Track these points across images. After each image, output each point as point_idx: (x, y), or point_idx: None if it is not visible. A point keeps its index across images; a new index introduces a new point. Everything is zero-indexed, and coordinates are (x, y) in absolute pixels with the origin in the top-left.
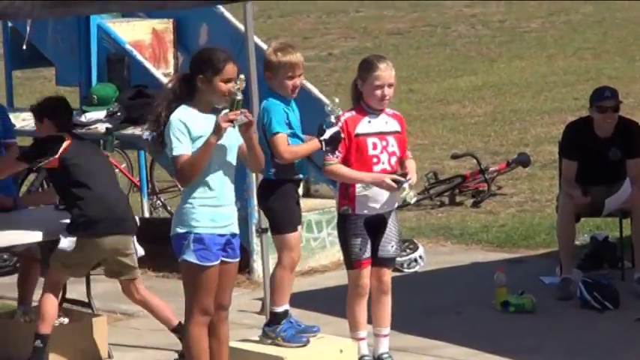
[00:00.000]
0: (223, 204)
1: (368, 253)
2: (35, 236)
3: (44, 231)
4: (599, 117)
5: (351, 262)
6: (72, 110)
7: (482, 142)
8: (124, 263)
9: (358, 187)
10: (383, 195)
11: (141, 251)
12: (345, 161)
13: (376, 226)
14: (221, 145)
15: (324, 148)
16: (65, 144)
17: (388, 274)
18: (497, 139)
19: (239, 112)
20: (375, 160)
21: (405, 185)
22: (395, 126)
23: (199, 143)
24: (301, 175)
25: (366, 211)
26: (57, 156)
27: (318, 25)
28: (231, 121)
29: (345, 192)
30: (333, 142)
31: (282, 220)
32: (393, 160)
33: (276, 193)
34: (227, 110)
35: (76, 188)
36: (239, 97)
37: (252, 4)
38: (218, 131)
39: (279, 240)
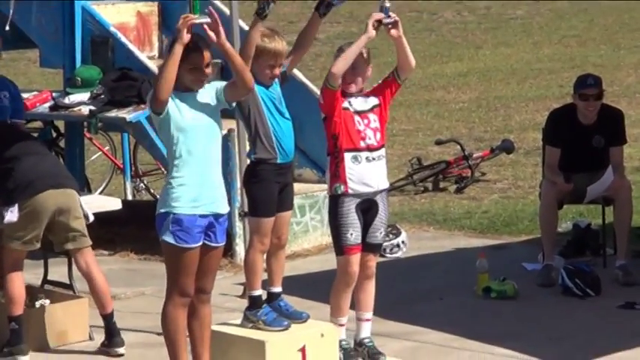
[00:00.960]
0: (205, 185)
1: (359, 239)
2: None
3: None
4: (582, 104)
5: (342, 247)
6: None
7: (467, 128)
8: (71, 227)
9: (347, 164)
10: (371, 172)
11: (91, 217)
12: (335, 135)
13: (367, 211)
14: (203, 125)
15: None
16: None
17: (374, 260)
18: (482, 126)
19: (196, 15)
20: (362, 135)
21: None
22: (374, 101)
23: (173, 114)
24: (279, 159)
25: (359, 190)
26: None
27: (304, 10)
28: (188, 23)
29: (335, 170)
30: None
31: (257, 203)
32: (377, 136)
33: (254, 175)
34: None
35: (4, 164)
36: None
37: None
38: (178, 35)
39: (252, 223)
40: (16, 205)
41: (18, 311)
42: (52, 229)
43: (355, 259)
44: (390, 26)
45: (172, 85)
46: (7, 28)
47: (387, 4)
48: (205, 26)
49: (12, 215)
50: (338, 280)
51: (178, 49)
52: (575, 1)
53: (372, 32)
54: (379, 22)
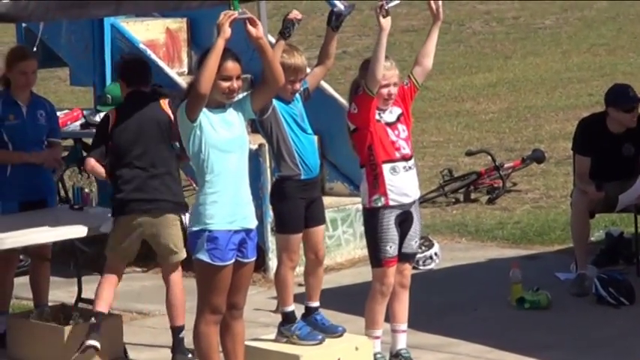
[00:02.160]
0: (237, 201)
1: (397, 251)
2: (49, 236)
3: (58, 231)
4: (626, 116)
5: (380, 260)
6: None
7: (497, 138)
8: (161, 246)
9: (387, 175)
10: (408, 182)
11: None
12: (370, 146)
13: (403, 222)
14: (234, 140)
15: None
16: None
17: (409, 269)
18: (512, 136)
19: (236, 11)
20: (397, 145)
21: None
22: (397, 111)
23: (206, 128)
24: (303, 176)
25: (400, 201)
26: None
27: None
28: (230, 19)
29: (374, 182)
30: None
31: (282, 220)
32: (409, 144)
33: (279, 193)
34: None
35: (124, 159)
36: None
37: (265, 2)
38: (220, 30)
39: (280, 240)
40: (112, 219)
41: (101, 308)
42: (148, 244)
43: (392, 270)
44: (392, 4)
45: (213, 78)
46: (35, 48)
47: None
48: (246, 21)
49: (106, 226)
50: (374, 291)
51: (221, 43)
52: (604, 9)
53: (384, 24)
54: (382, 8)
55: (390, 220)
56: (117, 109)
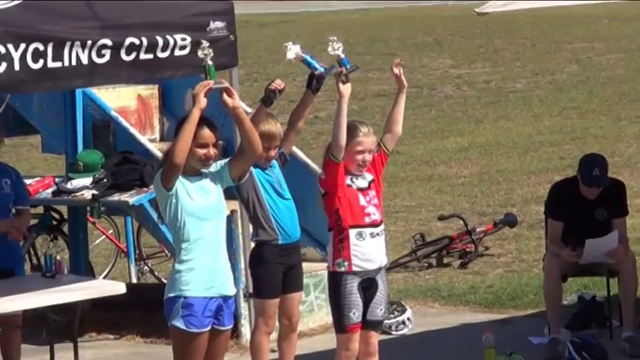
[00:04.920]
0: (214, 268)
1: (360, 318)
2: (21, 304)
3: (29, 299)
4: (586, 189)
5: (344, 326)
6: None
7: (469, 202)
8: None
9: (352, 240)
10: (374, 248)
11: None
12: (337, 211)
13: (366, 289)
14: (211, 207)
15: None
16: None
17: (375, 337)
18: (484, 200)
19: (212, 81)
20: (366, 211)
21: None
22: (369, 177)
23: (182, 197)
24: (280, 241)
25: (363, 267)
26: None
27: (304, 89)
28: (206, 88)
29: (340, 245)
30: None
31: (259, 285)
32: (379, 211)
33: (257, 258)
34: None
35: None
36: (210, 62)
37: (237, 68)
38: (195, 100)
39: (257, 304)
40: None
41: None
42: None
43: (356, 336)
44: (352, 71)
45: (188, 148)
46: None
47: (342, 55)
48: (222, 91)
49: None
50: (339, 357)
51: (196, 114)
52: (574, 72)
53: (344, 91)
54: (342, 74)
55: (352, 286)
56: None
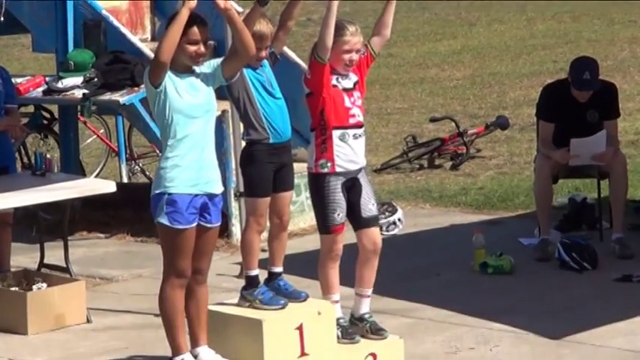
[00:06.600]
0: (200, 166)
1: (344, 218)
2: (11, 202)
3: (19, 197)
4: (578, 93)
5: (328, 227)
6: None
7: (461, 105)
8: None
9: (335, 142)
10: (357, 149)
11: None
12: (322, 111)
13: (350, 189)
14: (199, 105)
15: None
16: None
17: (377, 233)
18: (476, 103)
19: None
20: (351, 112)
21: None
22: (354, 78)
23: (170, 94)
24: (272, 140)
25: (344, 168)
26: None
27: None
28: None
29: (322, 146)
30: None
31: (250, 184)
32: (362, 112)
33: (248, 157)
34: None
35: None
36: None
37: None
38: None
39: (248, 203)
40: None
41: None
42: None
43: (340, 237)
44: None
45: (175, 47)
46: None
47: None
48: None
49: None
50: (323, 257)
51: (185, 13)
52: None
53: None
54: None
55: (336, 187)
56: None
